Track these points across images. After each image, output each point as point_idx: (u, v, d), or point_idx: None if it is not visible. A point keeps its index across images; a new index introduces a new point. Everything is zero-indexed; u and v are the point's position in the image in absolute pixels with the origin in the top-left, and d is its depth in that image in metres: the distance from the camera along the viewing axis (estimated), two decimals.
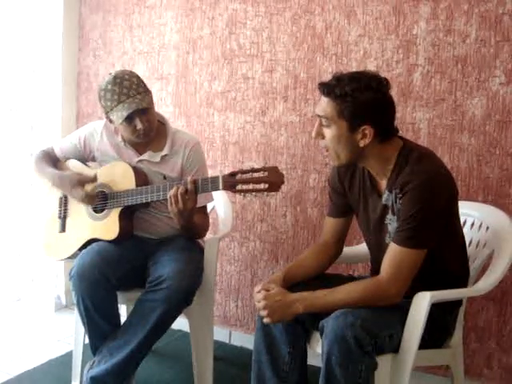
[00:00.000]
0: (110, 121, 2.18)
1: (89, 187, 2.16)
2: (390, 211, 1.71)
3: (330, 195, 1.97)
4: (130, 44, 3.07)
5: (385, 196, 1.72)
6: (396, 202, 1.67)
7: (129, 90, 2.07)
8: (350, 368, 1.53)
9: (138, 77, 2.15)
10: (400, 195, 1.64)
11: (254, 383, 1.81)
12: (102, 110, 2.17)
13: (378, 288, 1.64)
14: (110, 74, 2.15)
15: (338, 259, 2.00)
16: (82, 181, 2.15)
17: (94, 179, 2.16)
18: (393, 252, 1.64)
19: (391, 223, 1.71)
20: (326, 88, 1.66)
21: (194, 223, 2.14)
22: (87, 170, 2.28)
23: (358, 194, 1.84)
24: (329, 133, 1.68)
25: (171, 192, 1.97)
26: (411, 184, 1.61)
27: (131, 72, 2.17)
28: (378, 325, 1.58)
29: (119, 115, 2.07)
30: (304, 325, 1.81)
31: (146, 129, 2.13)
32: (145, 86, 2.15)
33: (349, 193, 1.87)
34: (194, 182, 1.95)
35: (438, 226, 1.65)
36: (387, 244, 1.70)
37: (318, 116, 1.70)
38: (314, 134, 1.73)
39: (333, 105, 1.64)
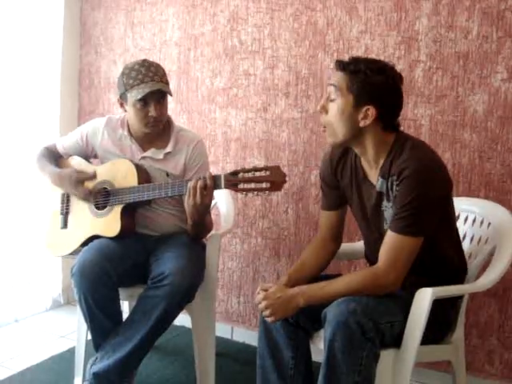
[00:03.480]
0: (122, 104, 2.20)
1: (89, 184, 2.16)
2: (385, 198, 1.72)
3: (322, 189, 1.97)
4: (132, 41, 3.07)
5: (379, 183, 1.73)
6: (392, 189, 1.68)
7: (154, 75, 2.12)
8: (353, 354, 1.54)
9: (164, 69, 2.21)
10: (397, 182, 1.65)
11: None
12: (120, 88, 2.16)
13: (376, 277, 1.65)
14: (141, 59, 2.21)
15: (339, 256, 2.00)
16: (81, 178, 2.17)
17: (93, 176, 2.18)
18: (390, 240, 1.65)
19: (387, 210, 1.72)
20: (342, 63, 1.70)
21: (205, 220, 2.16)
22: (89, 167, 2.28)
23: (350, 183, 1.85)
24: (333, 106, 1.70)
25: (191, 183, 1.96)
26: (407, 170, 1.62)
27: (159, 64, 2.22)
28: (379, 312, 1.59)
29: (139, 91, 2.08)
30: (305, 329, 1.81)
31: (156, 118, 2.14)
32: (167, 80, 2.20)
33: (341, 183, 1.88)
34: (214, 178, 1.95)
35: (435, 213, 1.66)
36: (385, 231, 1.70)
37: (330, 84, 1.72)
38: (318, 108, 1.75)
39: (345, 78, 1.68)
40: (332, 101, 1.70)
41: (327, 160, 1.91)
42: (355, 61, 1.68)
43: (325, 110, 1.73)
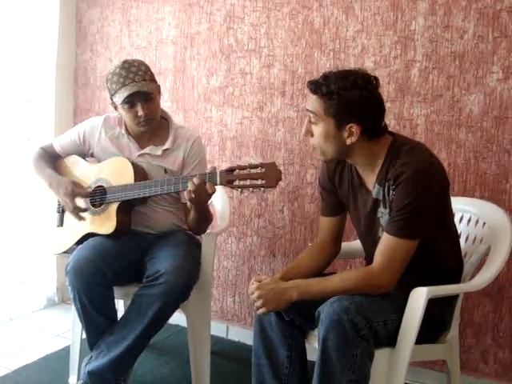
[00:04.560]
0: (115, 107, 2.19)
1: (79, 201, 2.17)
2: (381, 205, 1.72)
3: (321, 195, 1.98)
4: (128, 39, 3.07)
5: (375, 190, 1.73)
6: (389, 194, 1.68)
7: (135, 76, 2.10)
8: (346, 352, 1.54)
9: (146, 66, 2.18)
10: (393, 186, 1.65)
11: None
12: (109, 93, 2.17)
13: (370, 277, 1.65)
14: (122, 60, 2.18)
15: None
16: (75, 192, 2.16)
17: (87, 195, 2.18)
18: (385, 242, 1.66)
19: (383, 216, 1.72)
20: (314, 86, 1.69)
21: (207, 215, 2.17)
22: (85, 166, 2.29)
23: (347, 191, 1.85)
24: (317, 130, 1.71)
25: (189, 185, 1.94)
26: (404, 175, 1.62)
27: (142, 61, 2.20)
28: (373, 310, 1.60)
29: (121, 96, 2.09)
30: (301, 328, 1.81)
31: (146, 117, 2.13)
32: (152, 75, 2.18)
33: (339, 190, 1.89)
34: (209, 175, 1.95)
35: (430, 216, 1.66)
36: (379, 237, 1.71)
37: (308, 110, 1.72)
38: (303, 132, 1.76)
39: (320, 102, 1.67)
40: (314, 124, 1.71)
41: (324, 167, 1.92)
42: (326, 81, 1.66)
43: (310, 133, 1.74)
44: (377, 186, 1.72)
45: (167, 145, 2.23)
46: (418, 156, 1.66)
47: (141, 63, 2.17)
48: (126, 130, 2.25)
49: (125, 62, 2.14)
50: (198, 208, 2.06)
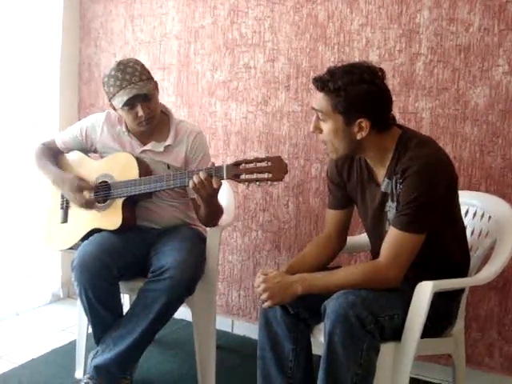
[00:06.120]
0: (114, 108, 2.19)
1: (87, 194, 2.18)
2: (389, 198, 1.72)
3: (329, 188, 1.97)
4: (132, 34, 3.06)
5: (384, 184, 1.73)
6: (396, 187, 1.68)
7: (131, 77, 2.09)
8: (352, 347, 1.54)
9: (142, 65, 2.16)
10: (401, 180, 1.65)
11: (260, 380, 1.82)
12: (106, 96, 2.18)
13: (377, 271, 1.65)
14: (116, 61, 2.17)
15: None
16: (81, 187, 2.18)
17: (92, 188, 2.19)
18: (392, 236, 1.65)
19: (391, 210, 1.72)
20: (320, 83, 1.67)
21: (217, 209, 2.18)
22: (88, 162, 2.29)
23: (356, 185, 1.85)
24: (326, 127, 1.69)
25: (195, 179, 1.95)
26: (412, 169, 1.61)
27: (136, 60, 2.18)
28: (379, 305, 1.60)
29: (120, 100, 2.09)
30: (306, 322, 1.81)
31: (147, 116, 2.13)
32: (149, 73, 2.17)
33: (347, 184, 1.88)
34: (216, 169, 1.95)
35: (438, 211, 1.65)
36: (386, 232, 1.70)
37: (314, 110, 1.71)
38: (311, 129, 1.74)
39: (327, 99, 1.66)
40: (322, 121, 1.69)
41: (332, 161, 1.91)
42: (332, 77, 1.63)
43: (318, 129, 1.72)
44: (386, 179, 1.72)
45: (169, 141, 2.23)
46: (426, 150, 1.65)
47: (135, 62, 2.15)
48: (127, 128, 2.25)
49: (119, 63, 2.13)
50: (207, 202, 2.06)
